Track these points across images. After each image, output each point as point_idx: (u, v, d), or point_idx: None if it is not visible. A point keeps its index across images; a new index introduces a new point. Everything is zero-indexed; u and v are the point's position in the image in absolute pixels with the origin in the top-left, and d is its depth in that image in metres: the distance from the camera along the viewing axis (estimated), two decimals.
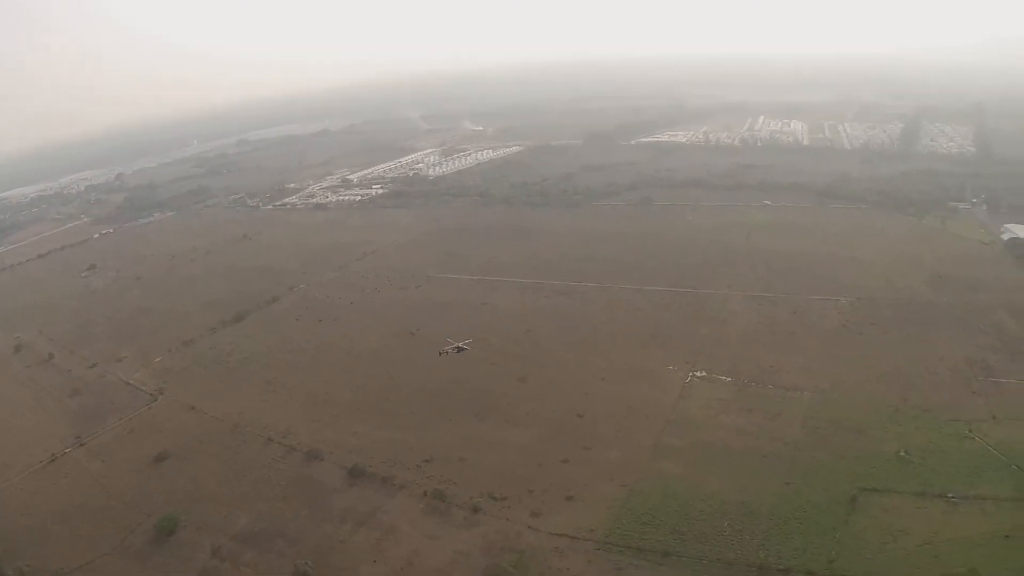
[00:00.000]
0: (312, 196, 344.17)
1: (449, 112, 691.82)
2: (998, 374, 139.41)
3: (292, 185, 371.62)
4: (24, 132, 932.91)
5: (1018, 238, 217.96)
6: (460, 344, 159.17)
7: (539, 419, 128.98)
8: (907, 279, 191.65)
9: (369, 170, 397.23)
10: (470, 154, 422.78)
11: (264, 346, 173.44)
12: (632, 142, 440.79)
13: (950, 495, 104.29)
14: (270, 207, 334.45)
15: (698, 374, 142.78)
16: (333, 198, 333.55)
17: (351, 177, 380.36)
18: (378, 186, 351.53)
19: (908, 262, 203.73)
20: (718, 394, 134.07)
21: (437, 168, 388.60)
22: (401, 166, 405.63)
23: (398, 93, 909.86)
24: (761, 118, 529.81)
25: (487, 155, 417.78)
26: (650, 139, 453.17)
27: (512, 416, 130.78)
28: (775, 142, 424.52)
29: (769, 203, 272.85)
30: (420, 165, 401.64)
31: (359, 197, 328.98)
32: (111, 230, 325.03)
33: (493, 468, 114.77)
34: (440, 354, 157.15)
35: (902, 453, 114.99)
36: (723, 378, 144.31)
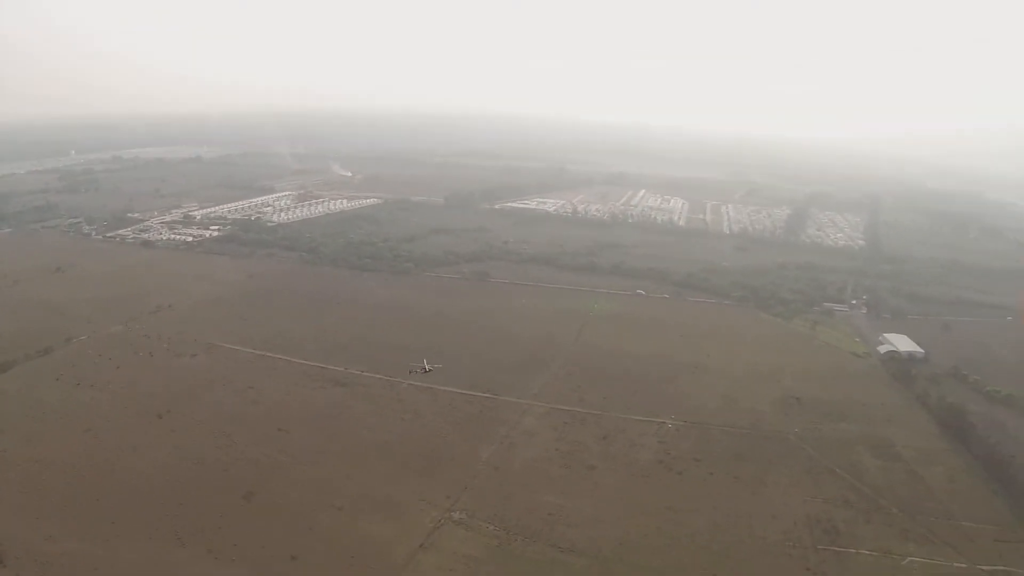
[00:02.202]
0: (146, 230, 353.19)
1: (327, 152, 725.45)
2: (844, 541, 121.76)
3: (135, 214, 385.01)
4: None
5: (896, 351, 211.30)
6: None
7: (247, 555, 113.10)
8: (755, 399, 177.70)
9: (218, 207, 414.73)
10: (324, 202, 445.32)
11: (5, 409, 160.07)
12: (496, 206, 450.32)
13: None
14: (101, 237, 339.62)
15: (455, 515, 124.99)
16: (166, 235, 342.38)
17: (196, 213, 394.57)
18: (216, 227, 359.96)
19: (762, 376, 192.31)
20: (469, 549, 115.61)
21: (283, 214, 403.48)
22: (250, 207, 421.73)
23: (292, 124, 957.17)
24: (642, 192, 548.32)
25: (339, 205, 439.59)
26: (516, 204, 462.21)
27: (218, 545, 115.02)
28: (648, 220, 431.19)
29: (643, 292, 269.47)
30: (268, 208, 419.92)
31: (191, 238, 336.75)
32: None
33: None
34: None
35: None
36: (485, 525, 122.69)
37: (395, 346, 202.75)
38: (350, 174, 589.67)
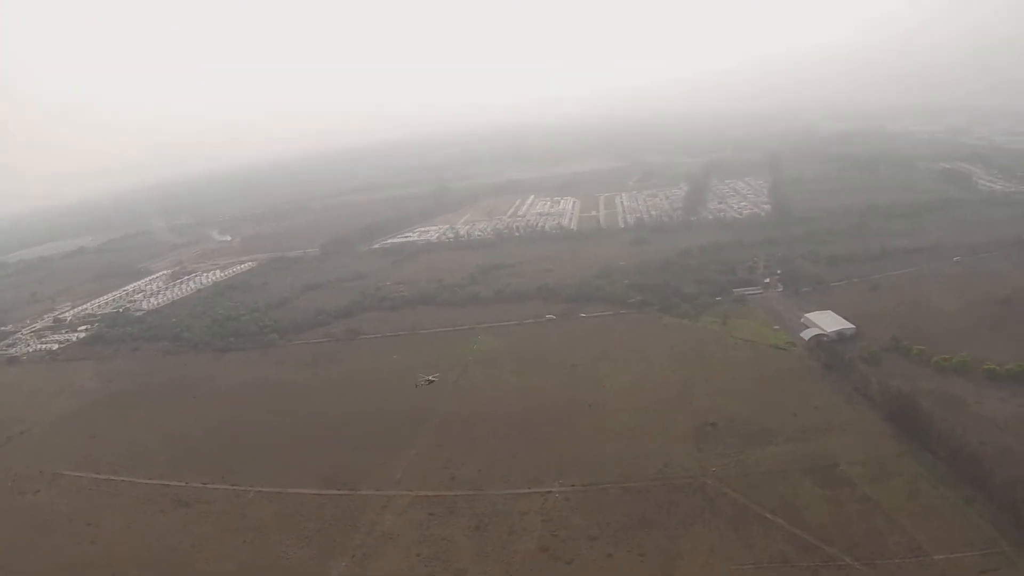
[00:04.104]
0: (14, 344, 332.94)
1: (208, 218, 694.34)
2: None
3: (7, 327, 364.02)
4: None
5: (822, 334, 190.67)
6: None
7: None
8: (662, 436, 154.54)
9: (90, 303, 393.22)
10: (197, 276, 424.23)
11: None
12: (376, 246, 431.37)
13: None
14: None
15: None
16: (34, 347, 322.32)
17: (67, 315, 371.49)
18: (84, 327, 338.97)
19: (669, 402, 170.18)
20: None
21: (154, 299, 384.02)
22: (122, 297, 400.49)
23: (173, 195, 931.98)
24: (531, 198, 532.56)
25: (212, 277, 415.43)
26: (397, 240, 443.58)
27: None
28: (536, 230, 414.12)
29: (553, 316, 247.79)
30: (139, 295, 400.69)
31: (56, 346, 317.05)
32: None
33: None
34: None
35: None
36: None
37: (249, 439, 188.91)
38: (229, 238, 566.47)
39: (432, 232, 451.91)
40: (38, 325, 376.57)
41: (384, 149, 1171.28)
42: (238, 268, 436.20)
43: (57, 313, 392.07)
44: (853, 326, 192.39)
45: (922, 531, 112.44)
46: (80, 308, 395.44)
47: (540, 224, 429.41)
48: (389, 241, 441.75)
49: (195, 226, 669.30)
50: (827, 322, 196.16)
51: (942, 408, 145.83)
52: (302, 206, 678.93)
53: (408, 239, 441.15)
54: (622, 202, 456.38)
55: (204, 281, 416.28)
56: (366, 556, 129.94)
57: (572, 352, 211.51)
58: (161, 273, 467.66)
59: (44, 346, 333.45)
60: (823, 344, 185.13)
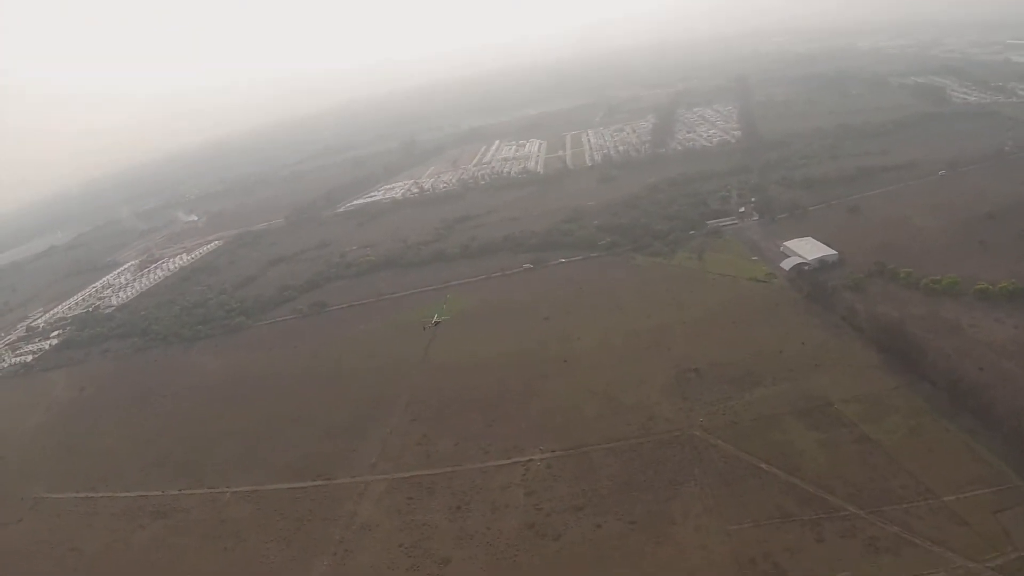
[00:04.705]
0: None
1: (174, 199, 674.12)
2: None
3: None
4: None
5: (804, 262, 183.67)
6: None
7: None
8: (643, 387, 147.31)
9: (61, 306, 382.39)
10: (165, 263, 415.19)
11: None
12: (340, 209, 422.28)
13: None
14: None
15: None
16: (9, 361, 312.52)
17: (39, 322, 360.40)
18: (56, 333, 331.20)
19: (647, 349, 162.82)
20: None
21: (123, 292, 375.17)
22: (92, 295, 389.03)
23: (139, 179, 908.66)
24: (496, 143, 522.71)
25: (180, 262, 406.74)
26: (362, 201, 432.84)
27: None
28: (502, 176, 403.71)
29: (531, 265, 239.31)
30: (109, 290, 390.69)
31: (30, 357, 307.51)
32: None
33: None
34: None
35: None
36: None
37: (221, 435, 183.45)
38: (195, 218, 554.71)
39: (397, 189, 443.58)
40: (12, 337, 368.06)
41: (353, 108, 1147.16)
42: (205, 249, 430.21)
43: (30, 321, 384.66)
44: (835, 252, 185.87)
45: (928, 471, 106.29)
46: (52, 312, 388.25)
47: (506, 170, 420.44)
48: (355, 203, 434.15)
49: (162, 209, 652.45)
50: (807, 249, 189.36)
51: (935, 335, 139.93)
52: (268, 176, 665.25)
53: (373, 198, 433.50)
54: (589, 139, 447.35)
55: (172, 267, 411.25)
56: (347, 552, 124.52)
57: (543, 304, 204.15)
58: (129, 264, 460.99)
59: (19, 359, 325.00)
60: (805, 273, 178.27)
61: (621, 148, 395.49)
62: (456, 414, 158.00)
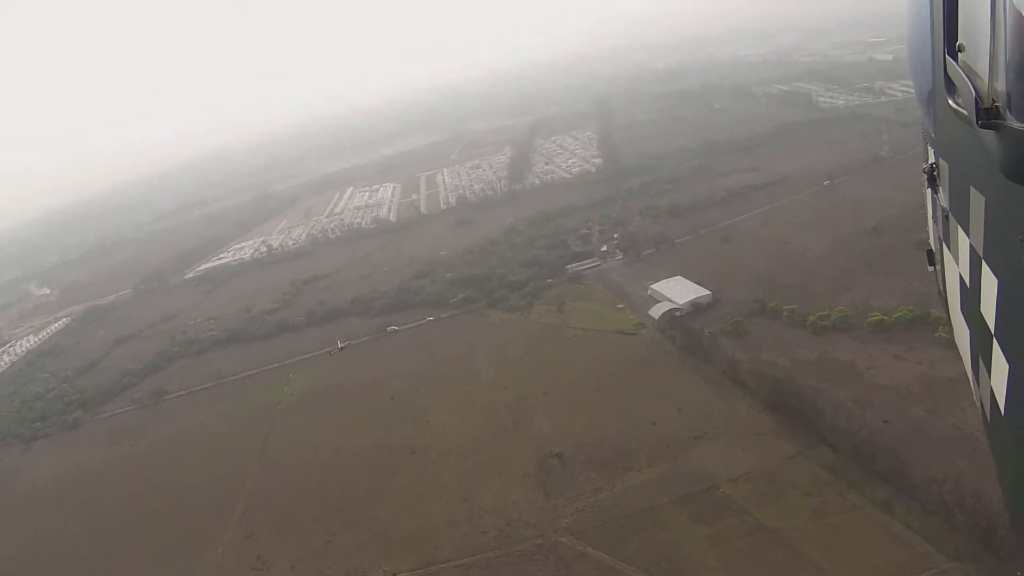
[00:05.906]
0: None
1: (31, 270, 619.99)
2: None
3: None
4: None
5: (675, 307, 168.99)
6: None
7: None
8: (500, 483, 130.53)
9: None
10: (12, 346, 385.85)
11: None
12: (189, 275, 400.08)
13: None
14: None
15: None
16: None
17: None
18: None
19: (504, 432, 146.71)
20: None
21: None
22: None
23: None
24: (349, 191, 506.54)
25: (26, 345, 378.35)
26: (212, 264, 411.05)
27: None
28: (353, 228, 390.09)
29: (346, 343, 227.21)
30: None
31: None
32: None
33: None
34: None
35: None
36: None
37: (51, 557, 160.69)
38: (47, 291, 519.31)
39: (247, 248, 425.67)
40: None
41: (211, 159, 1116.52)
42: (53, 328, 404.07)
43: None
44: (708, 292, 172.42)
45: (838, 561, 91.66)
46: None
47: (358, 220, 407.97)
48: (203, 267, 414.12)
49: (16, 282, 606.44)
50: (678, 292, 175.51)
51: (830, 383, 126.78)
52: (126, 238, 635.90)
53: (222, 260, 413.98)
54: (444, 179, 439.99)
55: (19, 351, 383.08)
56: None
57: (391, 379, 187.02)
58: None
59: None
60: (676, 320, 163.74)
61: (477, 187, 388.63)
62: (294, 526, 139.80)
